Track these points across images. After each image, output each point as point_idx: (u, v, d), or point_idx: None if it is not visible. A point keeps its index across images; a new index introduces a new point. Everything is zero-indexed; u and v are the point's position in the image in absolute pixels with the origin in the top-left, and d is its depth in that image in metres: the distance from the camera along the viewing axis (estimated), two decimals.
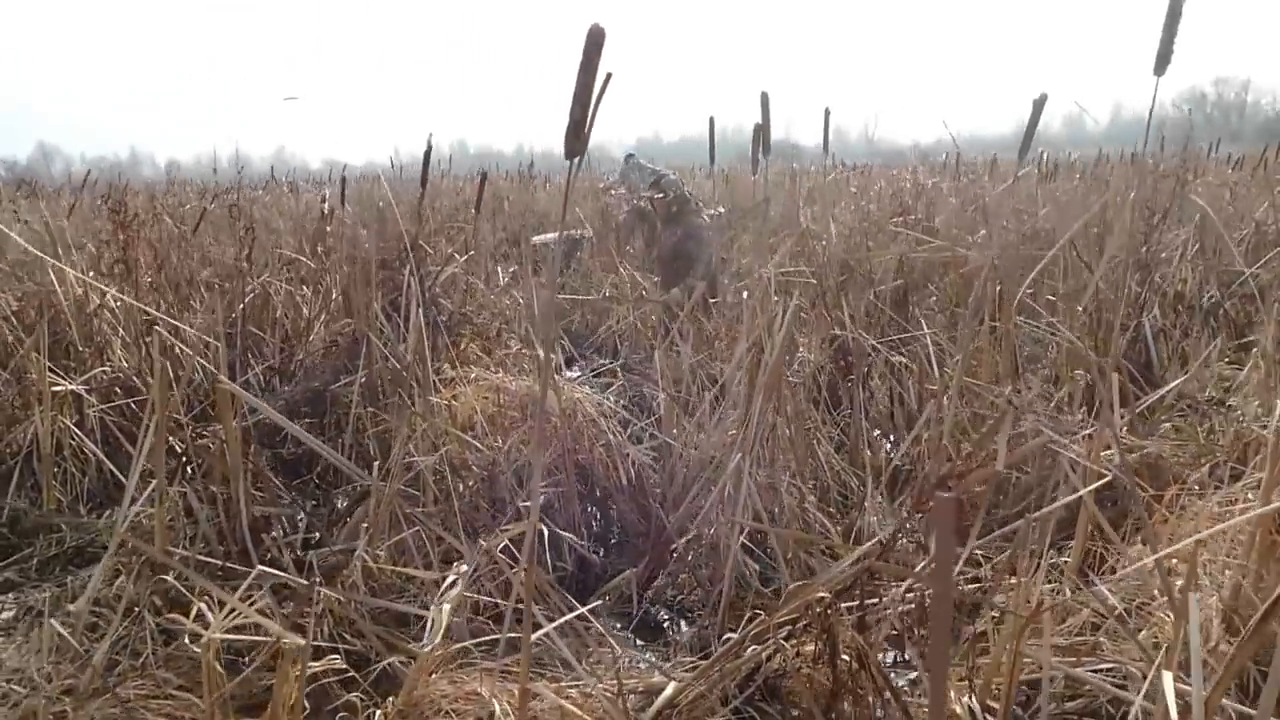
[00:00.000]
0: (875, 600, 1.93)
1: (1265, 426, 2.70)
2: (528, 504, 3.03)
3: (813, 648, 1.78)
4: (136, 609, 2.52)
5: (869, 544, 1.88)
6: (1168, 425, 3.08)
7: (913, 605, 1.93)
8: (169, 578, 2.38)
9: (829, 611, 1.70)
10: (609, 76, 1.33)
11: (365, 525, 2.64)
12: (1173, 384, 3.04)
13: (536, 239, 9.18)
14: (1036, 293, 4.16)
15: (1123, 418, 3.49)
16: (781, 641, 1.75)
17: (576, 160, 1.38)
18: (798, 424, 3.15)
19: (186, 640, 2.05)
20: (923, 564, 2.15)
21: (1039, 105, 2.67)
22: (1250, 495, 2.34)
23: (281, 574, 2.02)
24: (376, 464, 2.84)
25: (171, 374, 2.94)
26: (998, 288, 3.51)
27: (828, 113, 4.21)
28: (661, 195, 5.51)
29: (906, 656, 2.35)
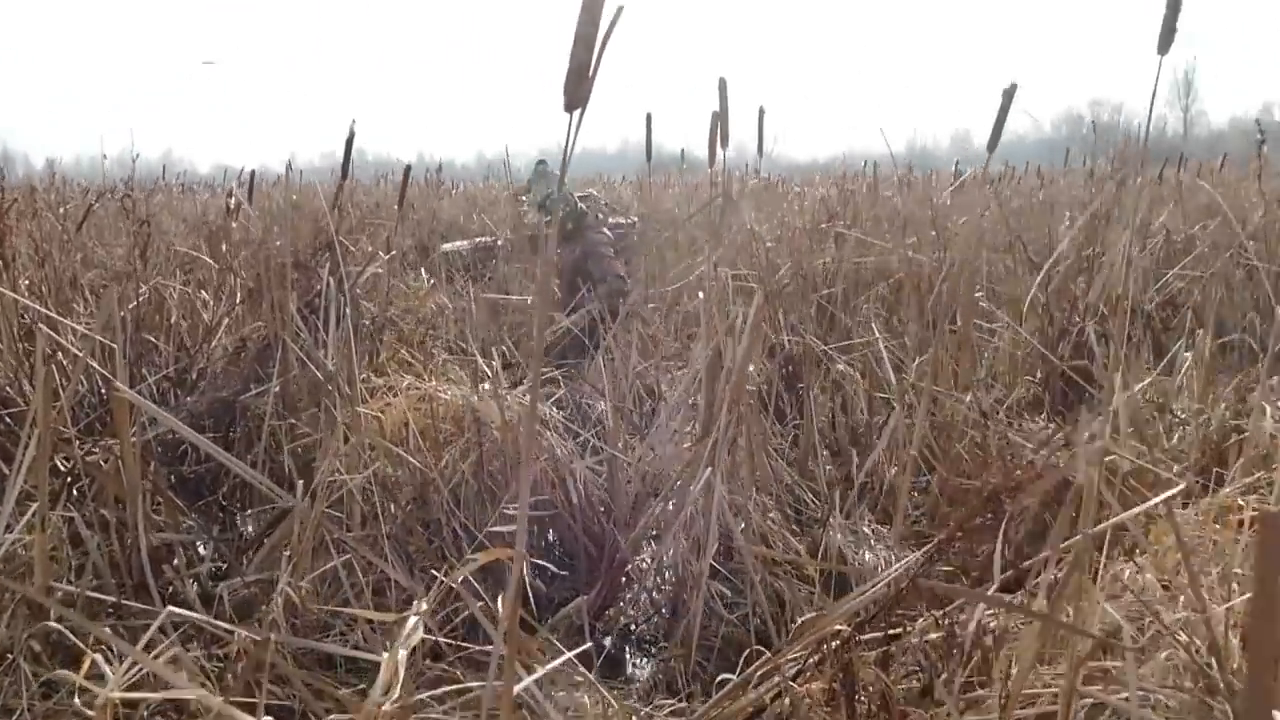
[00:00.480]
0: (899, 633, 1.74)
1: (1243, 431, 2.63)
2: (459, 526, 2.77)
3: (823, 687, 1.58)
4: (10, 656, 2.15)
5: (894, 569, 1.67)
6: (1131, 431, 3.00)
7: (940, 638, 1.75)
8: (51, 620, 2.04)
9: (848, 647, 1.50)
10: (620, 9, 1.11)
11: (287, 553, 2.33)
12: (1136, 387, 2.95)
13: (447, 246, 8.82)
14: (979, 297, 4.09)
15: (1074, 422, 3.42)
16: (789, 681, 1.54)
17: (578, 114, 1.14)
18: (756, 436, 2.96)
19: (74, 698, 1.73)
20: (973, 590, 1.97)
21: (1009, 96, 2.56)
22: (1242, 500, 2.24)
23: (191, 614, 1.71)
24: (301, 484, 2.53)
25: (57, 381, 2.57)
26: (950, 290, 3.41)
27: (762, 112, 4.07)
28: (549, 219, 5.28)
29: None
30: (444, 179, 13.58)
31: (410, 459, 2.67)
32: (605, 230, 5.56)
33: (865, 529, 3.00)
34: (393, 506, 2.62)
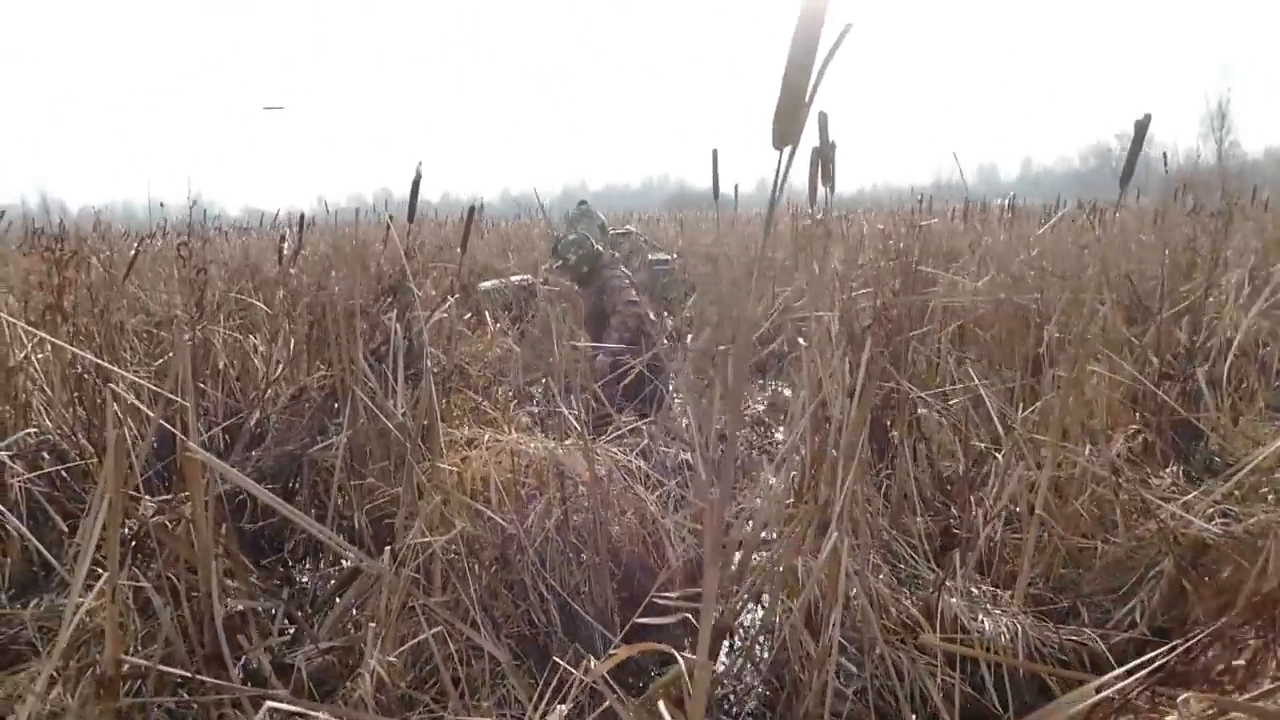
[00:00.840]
0: None
1: None
2: (545, 588, 2.58)
3: None
4: None
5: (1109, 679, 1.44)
6: (1266, 490, 2.78)
7: None
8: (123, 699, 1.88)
9: None
10: (848, 27, 0.94)
11: (371, 624, 2.15)
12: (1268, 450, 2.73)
13: (484, 285, 8.71)
14: (1066, 339, 3.87)
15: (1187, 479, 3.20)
16: None
17: (787, 152, 0.98)
18: (861, 491, 2.76)
19: None
20: None
21: (1142, 127, 2.38)
22: None
23: (291, 707, 1.54)
24: (372, 543, 2.36)
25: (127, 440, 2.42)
26: (1055, 334, 3.20)
27: (833, 146, 3.92)
28: (561, 264, 5.13)
29: None
30: (480, 218, 13.54)
31: (495, 517, 2.50)
32: (622, 269, 5.43)
33: (975, 590, 2.79)
34: (476, 567, 2.44)
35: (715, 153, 4.19)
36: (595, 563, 2.60)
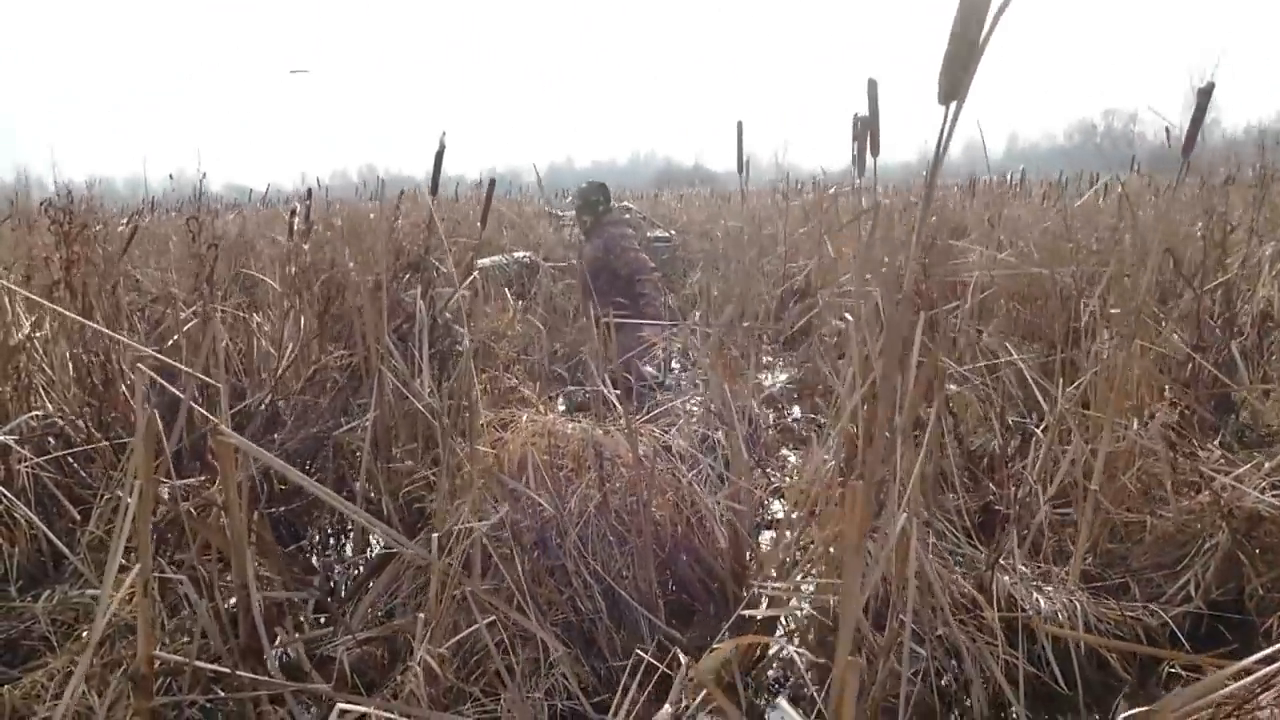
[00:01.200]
0: None
1: None
2: (589, 573, 2.49)
3: None
4: None
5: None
6: None
7: None
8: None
9: None
10: None
11: (419, 613, 2.06)
12: None
13: (483, 261, 8.57)
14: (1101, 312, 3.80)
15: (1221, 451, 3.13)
16: None
17: (954, 107, 0.88)
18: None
19: None
20: None
21: (1205, 95, 2.29)
22: None
23: (363, 707, 1.44)
24: (433, 534, 2.25)
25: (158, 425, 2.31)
26: (1094, 307, 3.13)
27: (867, 118, 3.85)
28: (581, 204, 5.25)
29: None
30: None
31: (539, 499, 2.41)
32: (628, 221, 5.44)
33: (1022, 567, 2.72)
34: (517, 552, 2.35)
35: (740, 125, 4.08)
36: (639, 546, 2.51)
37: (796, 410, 5.00)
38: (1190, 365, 3.51)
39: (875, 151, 2.50)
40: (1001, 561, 2.69)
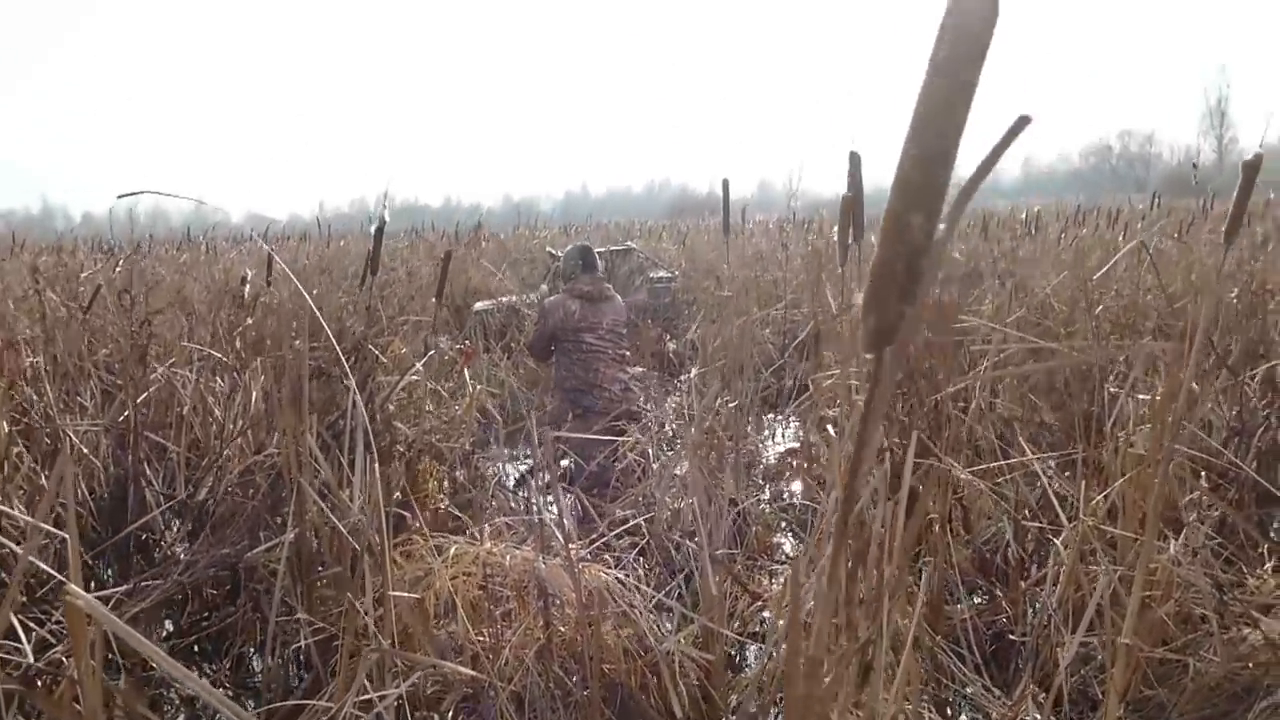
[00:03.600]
0: None
1: None
2: None
3: None
4: None
5: None
6: None
7: None
8: None
9: None
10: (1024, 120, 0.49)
11: None
12: None
13: (479, 306, 8.26)
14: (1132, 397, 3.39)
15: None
16: None
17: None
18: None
19: None
20: None
21: (1253, 169, 1.92)
22: None
23: None
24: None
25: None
26: (1116, 392, 2.74)
27: (726, 184, 3.58)
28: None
29: None
30: (485, 234, 13.09)
31: (468, 642, 2.04)
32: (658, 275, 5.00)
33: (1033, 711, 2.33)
34: None
35: (726, 183, 3.74)
36: (584, 700, 2.14)
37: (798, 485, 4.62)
38: (1231, 451, 3.11)
39: (859, 236, 2.15)
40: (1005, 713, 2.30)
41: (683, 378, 6.33)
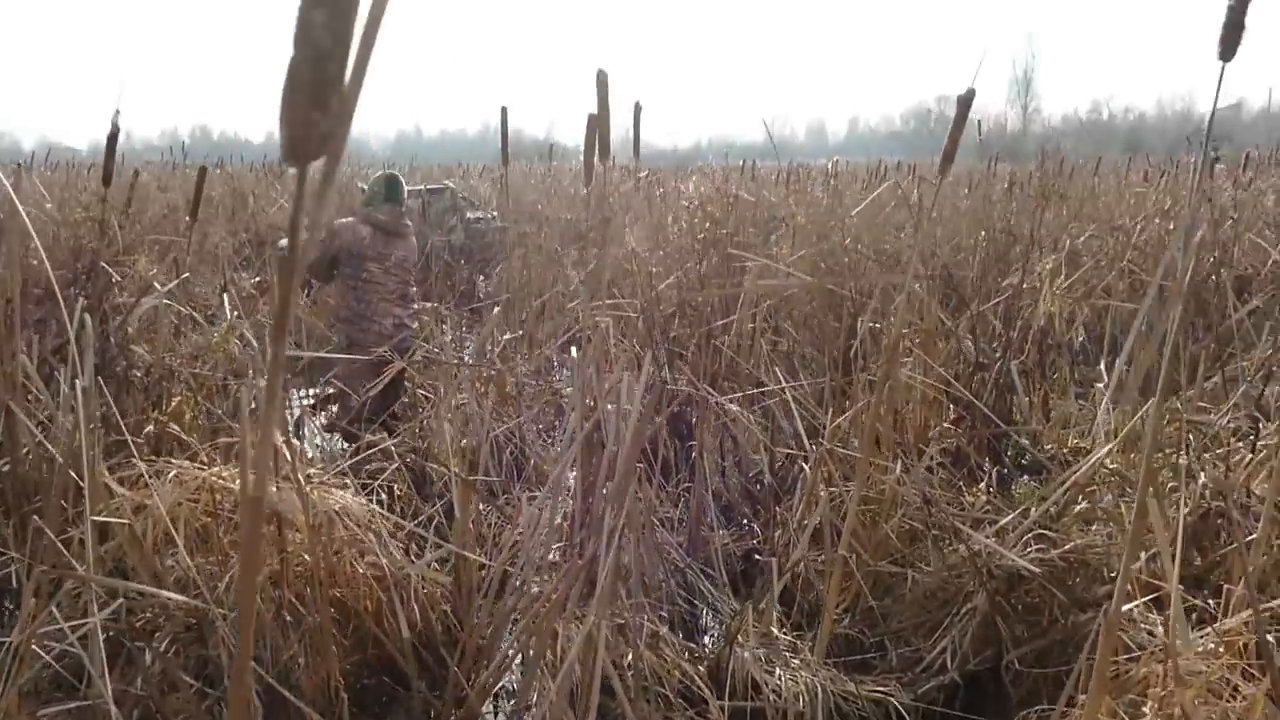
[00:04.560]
0: None
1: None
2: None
3: None
4: None
5: None
6: (1080, 506, 2.54)
7: None
8: None
9: None
10: None
11: None
12: (1093, 458, 2.49)
13: (283, 242, 7.88)
14: (884, 329, 3.59)
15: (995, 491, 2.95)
16: None
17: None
18: (644, 520, 2.36)
19: None
20: None
21: (965, 103, 2.03)
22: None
23: None
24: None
25: None
26: (869, 327, 2.89)
27: (639, 108, 3.52)
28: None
29: None
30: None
31: (170, 593, 1.94)
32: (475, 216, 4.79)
33: (775, 629, 2.45)
34: (148, 655, 1.89)
35: (505, 111, 3.66)
36: (315, 626, 2.09)
37: None
38: (970, 385, 3.34)
39: (605, 155, 2.14)
40: (754, 625, 2.41)
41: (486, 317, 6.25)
